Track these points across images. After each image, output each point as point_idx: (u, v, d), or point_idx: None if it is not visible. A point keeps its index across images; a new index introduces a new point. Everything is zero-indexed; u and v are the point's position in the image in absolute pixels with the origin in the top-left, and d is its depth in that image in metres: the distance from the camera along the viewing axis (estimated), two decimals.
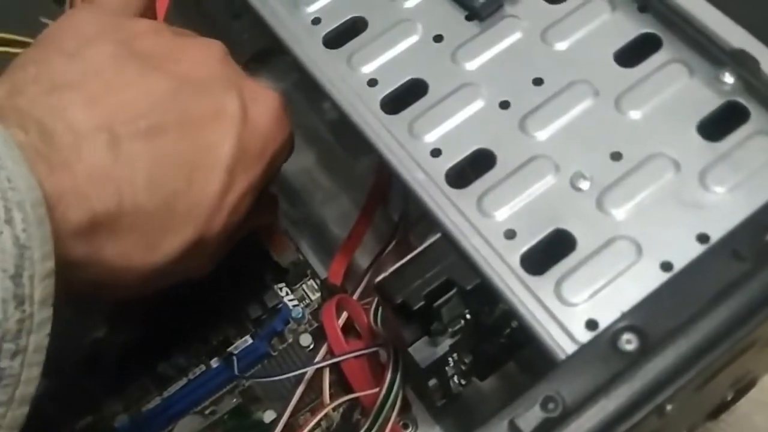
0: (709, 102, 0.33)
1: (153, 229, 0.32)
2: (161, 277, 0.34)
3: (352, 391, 0.42)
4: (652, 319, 0.29)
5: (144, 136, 0.31)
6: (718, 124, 0.32)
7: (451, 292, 0.32)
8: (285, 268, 0.46)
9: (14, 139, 0.28)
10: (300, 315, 0.46)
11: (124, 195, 0.31)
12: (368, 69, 0.36)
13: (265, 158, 0.36)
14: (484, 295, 0.32)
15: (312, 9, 0.38)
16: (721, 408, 0.40)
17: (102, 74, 0.32)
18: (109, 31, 0.34)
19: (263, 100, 0.35)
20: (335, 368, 0.43)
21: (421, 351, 0.34)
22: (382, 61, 0.36)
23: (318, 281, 0.47)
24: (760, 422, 0.43)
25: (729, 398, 0.39)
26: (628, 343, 0.28)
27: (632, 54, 0.34)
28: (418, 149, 0.34)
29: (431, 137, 0.34)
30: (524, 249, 0.31)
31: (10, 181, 0.26)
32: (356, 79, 0.36)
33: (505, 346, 0.37)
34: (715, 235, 0.30)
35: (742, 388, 0.40)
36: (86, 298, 0.34)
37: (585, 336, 0.29)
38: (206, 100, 0.34)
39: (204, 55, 0.35)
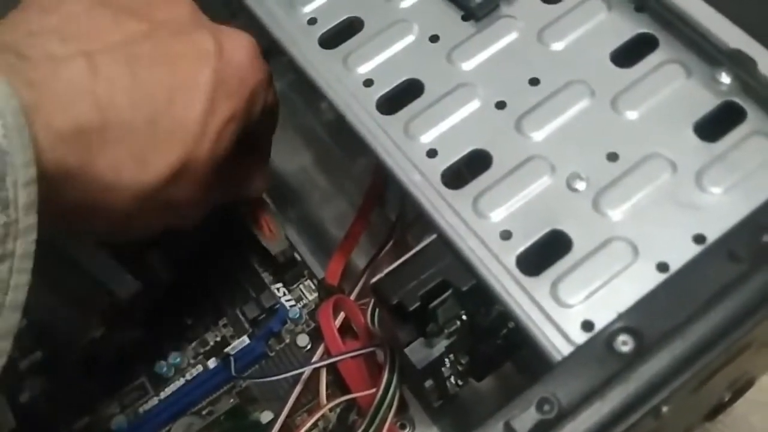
0: (706, 102, 0.33)
1: (140, 145, 0.32)
2: (151, 204, 0.34)
3: (349, 392, 0.42)
4: (648, 320, 0.28)
5: (122, 62, 0.32)
6: (715, 125, 0.32)
7: (447, 293, 0.32)
8: (274, 256, 0.46)
9: None
10: (297, 315, 0.46)
11: (107, 110, 0.31)
12: (364, 69, 0.36)
13: (244, 91, 0.36)
14: (480, 296, 0.32)
15: (308, 9, 0.38)
16: (719, 409, 0.40)
17: (77, 20, 0.33)
18: None
19: (237, 39, 0.36)
20: (332, 369, 0.43)
21: (417, 352, 0.34)
22: (378, 61, 0.36)
23: (315, 281, 0.47)
24: (756, 423, 0.43)
25: (726, 399, 0.39)
26: (624, 344, 0.28)
27: (629, 54, 0.34)
28: (414, 150, 0.34)
29: (427, 138, 0.34)
30: (520, 250, 0.31)
31: None
32: (352, 80, 0.36)
33: (502, 347, 0.37)
34: (712, 236, 0.30)
35: (740, 389, 0.40)
36: (74, 228, 0.34)
37: (581, 337, 0.29)
38: (181, 38, 0.34)
39: (176, 6, 0.36)
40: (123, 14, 0.34)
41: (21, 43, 0.31)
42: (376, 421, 0.39)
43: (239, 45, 0.36)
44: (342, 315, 0.43)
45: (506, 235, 0.31)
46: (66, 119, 0.30)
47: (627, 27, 0.35)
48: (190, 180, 0.35)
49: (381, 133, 0.34)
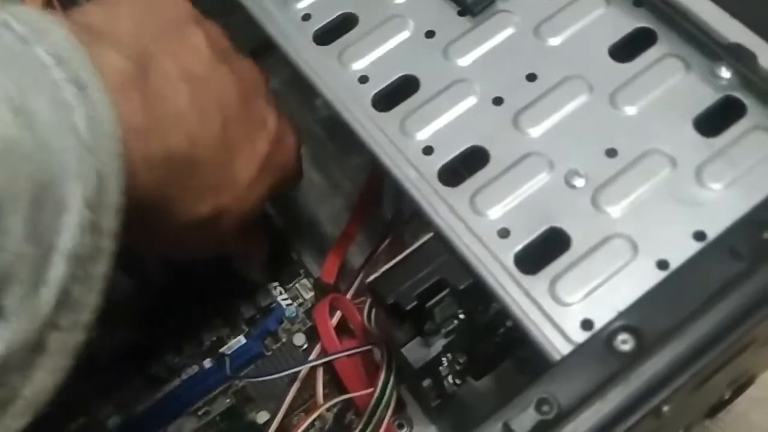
0: (706, 97, 0.32)
1: (205, 182, 0.35)
2: (193, 236, 0.36)
3: (346, 391, 0.41)
4: (648, 318, 0.28)
5: (214, 103, 0.34)
6: (715, 120, 0.32)
7: (444, 292, 0.31)
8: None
9: (113, 64, 0.29)
10: (294, 314, 0.46)
11: (193, 142, 0.33)
12: (359, 65, 0.36)
13: (286, 172, 0.40)
14: (478, 295, 0.31)
15: (302, 5, 0.38)
16: (719, 406, 0.40)
17: (183, 32, 0.34)
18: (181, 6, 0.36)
19: (289, 125, 0.40)
20: (329, 368, 0.42)
21: (415, 351, 0.34)
22: (373, 57, 0.36)
23: (311, 280, 0.46)
24: (756, 420, 0.43)
25: (727, 397, 0.39)
26: (624, 343, 0.28)
27: (627, 49, 0.34)
28: (410, 147, 0.33)
29: (423, 135, 0.34)
30: (518, 248, 0.31)
31: (96, 111, 0.27)
32: (347, 76, 0.35)
33: (501, 346, 0.37)
34: (712, 232, 0.30)
35: (740, 387, 0.40)
36: (131, 246, 0.35)
37: (580, 336, 0.29)
38: (257, 101, 0.37)
39: (250, 65, 0.38)
40: (220, 58, 0.35)
41: (137, 45, 0.32)
42: (374, 420, 0.38)
43: (291, 131, 0.40)
44: (339, 314, 0.42)
45: (504, 233, 0.31)
46: (161, 146, 0.31)
47: (625, 21, 0.34)
48: (225, 224, 0.37)
49: (376, 131, 0.34)
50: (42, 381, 0.26)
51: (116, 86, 0.29)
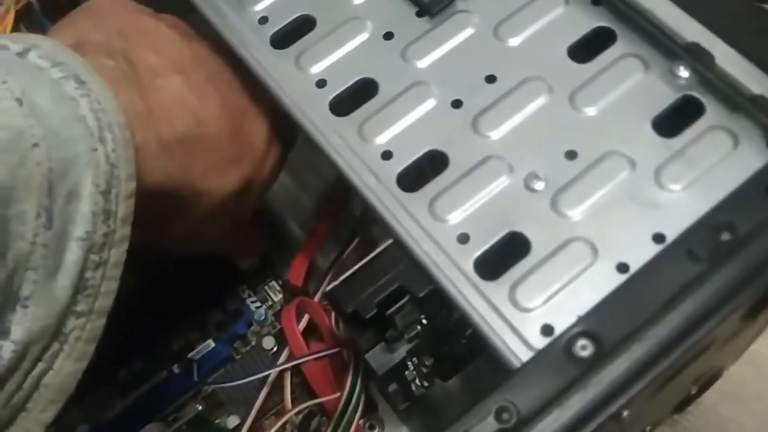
0: (665, 97, 0.32)
1: (224, 155, 0.35)
2: (220, 214, 0.37)
3: (315, 395, 0.41)
4: (607, 323, 0.28)
5: (207, 81, 0.35)
6: (674, 120, 0.32)
7: (405, 299, 0.31)
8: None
9: (102, 65, 0.30)
10: (263, 317, 0.45)
11: (200, 120, 0.34)
12: (317, 69, 0.35)
13: (284, 140, 0.40)
14: (439, 301, 0.31)
15: (259, 7, 0.37)
16: (686, 402, 0.40)
17: (154, 31, 0.35)
18: (138, 6, 0.38)
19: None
20: (298, 372, 0.42)
21: (378, 357, 0.33)
22: (330, 60, 0.35)
23: (280, 282, 0.46)
24: (725, 413, 0.43)
25: (693, 392, 0.39)
26: (583, 349, 0.28)
27: (586, 49, 0.34)
28: (369, 152, 0.33)
29: (382, 139, 0.33)
30: (478, 253, 0.30)
31: (99, 102, 0.28)
32: (304, 81, 0.35)
33: (468, 347, 0.37)
34: (672, 234, 0.29)
35: (707, 381, 0.40)
36: (150, 236, 0.36)
37: (540, 342, 0.29)
38: (240, 76, 0.37)
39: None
40: (192, 40, 0.37)
41: (121, 44, 0.33)
42: (342, 423, 0.38)
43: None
44: (308, 316, 0.42)
45: (464, 239, 0.31)
46: (172, 129, 0.32)
47: (584, 21, 0.34)
48: (250, 196, 0.38)
49: (334, 136, 0.33)
50: (65, 368, 0.28)
51: (110, 81, 0.30)
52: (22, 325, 0.26)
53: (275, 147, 0.39)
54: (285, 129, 0.40)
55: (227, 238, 0.42)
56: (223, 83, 0.36)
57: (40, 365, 0.27)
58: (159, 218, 0.34)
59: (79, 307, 0.27)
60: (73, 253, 0.26)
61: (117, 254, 0.28)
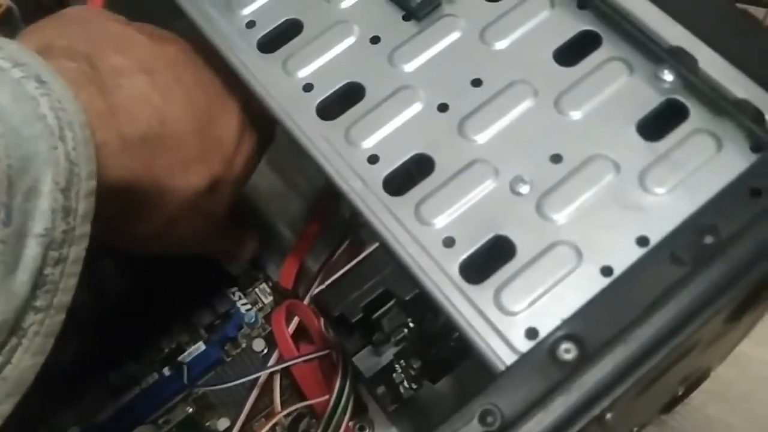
0: (649, 100, 0.32)
1: (190, 153, 0.36)
2: (190, 212, 0.37)
3: (305, 397, 0.41)
4: (590, 327, 0.28)
5: (173, 81, 0.35)
6: (658, 123, 0.32)
7: (391, 303, 0.31)
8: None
9: (63, 67, 0.31)
10: (253, 319, 0.45)
11: (164, 119, 0.34)
12: (304, 73, 0.35)
13: (261, 128, 0.40)
14: (425, 305, 0.31)
15: (246, 11, 0.37)
16: (673, 402, 0.40)
17: (124, 39, 0.36)
18: (109, 15, 0.38)
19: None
20: (288, 374, 0.42)
21: (366, 360, 0.34)
22: (317, 64, 0.35)
23: (271, 284, 0.46)
24: (713, 413, 0.43)
25: (680, 393, 0.39)
26: (567, 352, 0.28)
27: (572, 52, 0.34)
28: (355, 156, 0.33)
29: (368, 143, 0.33)
30: (463, 257, 0.31)
31: (60, 102, 0.28)
32: (291, 84, 0.35)
33: (456, 349, 0.37)
34: (656, 237, 0.30)
35: (694, 382, 0.40)
36: (118, 235, 0.37)
37: (525, 345, 0.29)
38: (211, 73, 0.38)
39: (192, 45, 0.39)
40: (162, 41, 0.37)
41: (84, 47, 0.33)
42: (332, 426, 0.38)
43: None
44: (298, 318, 0.42)
45: (449, 242, 0.31)
46: (134, 127, 0.33)
47: (570, 24, 0.34)
48: (221, 195, 0.39)
49: (321, 140, 0.33)
50: (23, 362, 0.28)
51: (71, 82, 0.30)
52: None
53: (247, 144, 0.39)
54: (262, 125, 0.40)
55: (213, 240, 0.42)
56: (191, 83, 0.36)
57: None
58: (124, 216, 0.35)
59: (38, 303, 0.27)
60: (32, 250, 0.27)
61: (77, 251, 0.29)
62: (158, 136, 0.34)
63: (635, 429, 0.39)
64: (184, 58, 0.37)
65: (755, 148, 0.30)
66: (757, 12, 0.50)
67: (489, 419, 0.27)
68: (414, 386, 0.37)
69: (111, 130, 0.32)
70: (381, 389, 0.36)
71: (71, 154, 0.28)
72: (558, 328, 0.28)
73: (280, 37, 0.36)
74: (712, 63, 0.31)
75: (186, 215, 0.37)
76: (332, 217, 0.45)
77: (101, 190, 0.30)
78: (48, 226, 0.27)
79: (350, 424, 0.40)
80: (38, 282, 0.27)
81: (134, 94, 0.33)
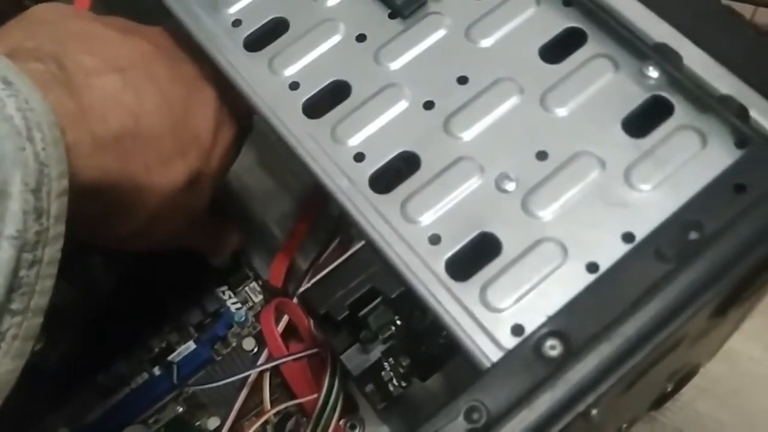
0: (635, 97, 0.32)
1: (165, 150, 0.36)
2: (170, 208, 0.37)
3: (295, 396, 0.41)
4: (575, 323, 0.28)
5: (145, 77, 0.35)
6: (643, 120, 0.32)
7: (377, 301, 0.31)
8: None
9: (31, 69, 0.30)
10: (243, 318, 0.45)
11: (137, 117, 0.34)
12: (290, 72, 0.35)
13: (236, 127, 0.40)
14: (412, 302, 0.31)
15: (232, 10, 0.37)
16: (663, 398, 0.40)
17: (95, 37, 0.35)
18: (78, 12, 0.38)
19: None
20: (278, 372, 0.42)
21: (354, 358, 0.34)
22: (304, 63, 0.35)
23: (261, 283, 0.46)
24: (703, 409, 0.43)
25: (669, 389, 0.39)
26: (552, 348, 0.28)
27: (557, 49, 0.34)
28: (341, 154, 0.33)
29: (354, 141, 0.33)
30: (449, 254, 0.31)
31: (27, 102, 0.28)
32: (278, 83, 0.35)
33: (445, 346, 0.37)
34: (641, 233, 0.30)
35: (683, 378, 0.40)
36: (98, 233, 0.37)
37: (511, 342, 0.29)
38: (187, 62, 0.38)
39: (167, 35, 0.39)
40: (133, 35, 0.37)
41: (53, 48, 0.33)
42: (321, 424, 0.38)
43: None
44: (288, 317, 0.42)
45: (435, 240, 0.31)
46: (106, 127, 0.33)
47: (555, 21, 0.34)
48: (201, 189, 0.38)
49: (307, 138, 0.33)
50: (3, 366, 0.27)
51: (39, 83, 0.30)
52: None
53: (224, 137, 0.39)
54: (239, 116, 0.40)
55: (193, 234, 0.42)
56: (164, 78, 0.36)
57: None
58: (104, 215, 0.35)
59: (14, 306, 0.27)
60: (5, 252, 0.26)
61: (51, 252, 0.28)
62: (132, 134, 0.34)
63: (624, 425, 0.39)
64: (156, 51, 0.37)
65: (740, 144, 0.31)
66: (743, 8, 0.50)
67: (475, 416, 0.27)
68: (403, 384, 0.37)
69: (82, 130, 0.31)
70: (370, 387, 0.36)
71: (41, 155, 0.28)
72: (543, 325, 0.28)
73: (267, 35, 0.36)
74: (696, 59, 0.31)
75: (166, 211, 0.37)
76: (322, 215, 0.45)
77: (77, 190, 0.29)
78: (20, 228, 0.27)
79: (341, 422, 0.40)
80: (13, 285, 0.27)
81: (105, 94, 0.33)
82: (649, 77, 0.32)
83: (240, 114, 0.40)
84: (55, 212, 0.28)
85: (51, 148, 0.28)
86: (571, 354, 0.28)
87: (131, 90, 0.34)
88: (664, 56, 0.32)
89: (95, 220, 0.34)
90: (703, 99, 0.31)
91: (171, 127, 0.36)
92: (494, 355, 0.29)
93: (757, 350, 0.44)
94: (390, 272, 0.31)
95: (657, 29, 0.32)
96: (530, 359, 0.28)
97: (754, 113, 0.30)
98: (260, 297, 0.46)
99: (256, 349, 0.44)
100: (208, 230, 0.44)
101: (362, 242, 0.32)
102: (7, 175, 0.27)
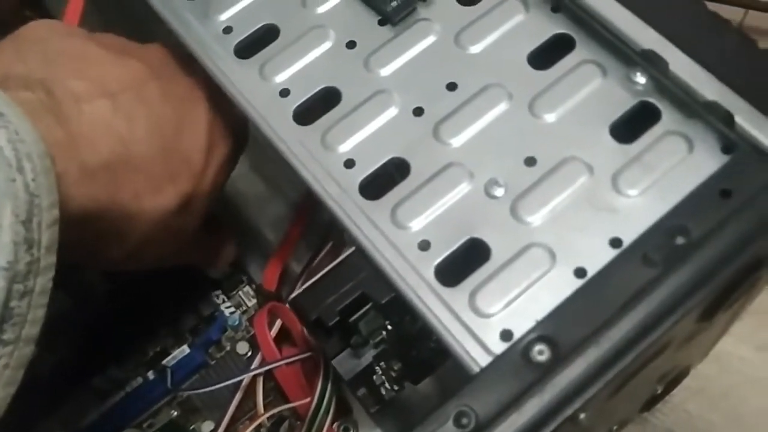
0: (622, 103, 0.32)
1: (156, 175, 0.35)
2: (162, 232, 0.37)
3: (288, 400, 0.41)
4: (563, 328, 0.28)
5: (136, 100, 0.35)
6: (631, 126, 0.32)
7: (368, 306, 0.32)
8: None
9: (20, 98, 0.30)
10: (237, 322, 0.46)
11: (128, 143, 0.34)
12: (280, 78, 0.35)
13: (232, 140, 0.40)
14: (402, 307, 0.31)
15: (223, 17, 0.37)
16: (653, 400, 0.41)
17: (86, 59, 0.35)
18: (70, 30, 0.38)
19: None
20: (271, 377, 0.42)
21: (345, 363, 0.34)
22: (294, 70, 0.35)
23: (254, 287, 0.46)
24: (693, 410, 0.44)
25: (659, 391, 0.40)
26: (540, 353, 0.28)
27: (546, 56, 0.34)
28: (331, 161, 0.33)
29: (345, 147, 0.33)
30: (438, 260, 0.31)
31: (18, 133, 0.28)
32: (268, 90, 0.35)
33: (436, 351, 0.37)
34: (628, 238, 0.30)
35: (673, 380, 0.40)
36: (90, 259, 0.37)
37: (500, 347, 0.29)
38: (180, 82, 0.38)
39: (159, 51, 0.39)
40: (124, 56, 0.36)
41: (42, 73, 0.33)
42: (314, 428, 0.38)
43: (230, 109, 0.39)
44: (281, 321, 0.43)
45: (425, 246, 0.31)
46: (95, 155, 0.32)
47: (544, 28, 0.34)
48: (193, 210, 0.38)
49: (297, 145, 0.33)
50: None
51: (29, 113, 0.29)
52: None
53: (217, 155, 0.39)
54: (235, 129, 0.40)
55: (187, 252, 0.42)
56: (157, 99, 0.36)
57: None
58: (93, 242, 0.34)
59: (5, 336, 0.27)
60: None
61: (43, 282, 0.28)
62: (122, 161, 0.34)
63: (615, 427, 0.39)
64: (149, 72, 0.36)
65: (725, 149, 0.31)
66: (730, 12, 0.51)
67: (464, 421, 0.28)
68: (396, 387, 0.37)
69: (71, 159, 0.31)
70: (362, 391, 0.36)
71: (30, 186, 0.28)
72: (531, 330, 0.29)
73: (257, 42, 0.37)
74: (683, 66, 0.31)
75: (157, 235, 0.37)
76: (315, 219, 0.45)
77: (67, 219, 0.29)
78: (11, 259, 0.26)
79: (335, 425, 0.41)
80: (5, 315, 0.27)
81: (95, 120, 0.33)
82: (637, 83, 0.33)
83: (235, 127, 0.39)
84: (46, 242, 0.28)
85: (41, 178, 0.28)
86: (559, 359, 0.28)
87: (122, 115, 0.34)
88: (651, 62, 0.32)
89: (85, 247, 0.34)
90: (690, 105, 0.32)
91: (161, 152, 0.35)
92: (483, 360, 0.29)
93: (748, 351, 0.44)
94: (380, 278, 0.31)
95: (644, 35, 0.32)
96: (519, 364, 0.28)
97: (739, 119, 0.30)
98: (254, 301, 0.46)
99: (249, 353, 0.45)
100: (203, 244, 0.44)
101: (352, 248, 0.32)
102: None
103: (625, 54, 0.33)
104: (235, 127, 0.39)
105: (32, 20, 0.37)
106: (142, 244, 0.36)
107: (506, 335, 0.29)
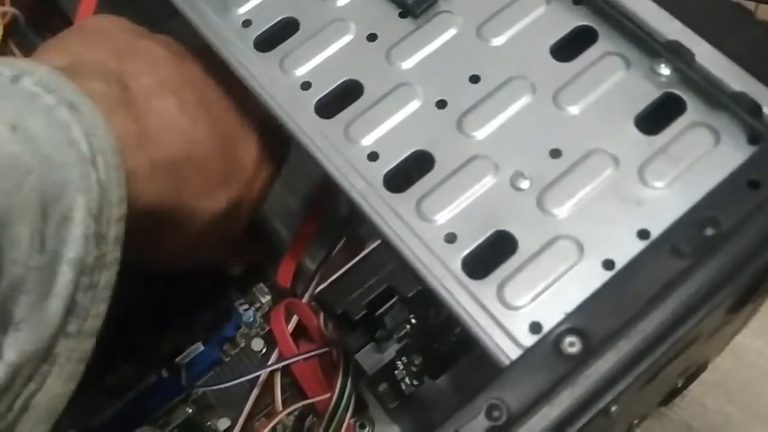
0: (647, 94, 0.32)
1: (212, 177, 0.36)
2: (211, 234, 0.37)
3: (306, 395, 0.41)
4: (594, 320, 0.28)
5: (198, 103, 0.35)
6: (656, 117, 0.32)
7: (393, 299, 0.31)
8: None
9: (93, 88, 0.31)
10: (251, 319, 0.45)
11: (192, 143, 0.34)
12: (301, 71, 0.35)
13: (278, 158, 0.40)
14: (428, 301, 0.31)
15: (242, 11, 0.37)
16: (672, 394, 0.41)
17: (149, 51, 0.36)
18: (132, 26, 0.38)
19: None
20: (289, 372, 0.42)
21: (368, 357, 0.34)
22: (315, 62, 0.35)
23: (268, 284, 0.46)
24: (711, 404, 0.43)
25: (679, 385, 0.39)
26: (571, 345, 0.28)
27: (568, 48, 0.34)
28: (355, 154, 0.33)
29: (368, 140, 0.33)
30: (465, 253, 0.31)
31: (92, 128, 0.28)
32: (289, 83, 0.35)
33: (457, 344, 0.37)
34: (656, 230, 0.30)
35: (693, 374, 0.40)
36: (145, 255, 0.36)
37: (529, 340, 0.29)
38: (232, 92, 0.38)
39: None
40: (184, 59, 0.37)
41: (115, 67, 0.33)
42: (333, 424, 0.38)
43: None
44: (297, 317, 0.42)
45: (451, 238, 0.31)
46: (164, 151, 0.33)
47: (566, 20, 0.34)
48: (239, 217, 0.39)
49: (320, 138, 0.33)
50: (55, 389, 0.28)
51: (103, 106, 0.30)
52: (14, 347, 0.26)
53: (265, 167, 0.39)
54: (277, 144, 0.40)
55: (222, 253, 0.42)
56: (214, 104, 0.36)
57: (31, 386, 0.27)
58: (150, 239, 0.35)
59: (69, 329, 0.27)
60: (64, 276, 0.27)
61: (108, 276, 0.29)
62: (187, 159, 0.34)
63: (635, 421, 0.39)
64: (206, 77, 0.37)
65: (752, 140, 0.31)
66: (749, 4, 0.51)
67: (495, 413, 0.27)
68: (415, 382, 0.37)
69: (141, 155, 0.32)
70: (383, 386, 0.36)
71: (102, 180, 0.28)
72: (562, 322, 0.28)
73: (277, 35, 0.36)
74: (708, 56, 0.31)
75: (206, 237, 0.37)
76: (329, 215, 0.45)
77: (131, 214, 0.30)
78: (80, 253, 0.27)
79: (351, 421, 0.40)
80: (70, 308, 0.27)
81: (164, 118, 0.33)
82: (661, 75, 0.32)
83: (279, 144, 0.40)
84: (113, 237, 0.29)
85: (113, 173, 0.28)
86: (590, 351, 0.28)
87: (187, 114, 0.34)
88: (676, 54, 0.32)
89: (143, 243, 0.34)
90: (716, 96, 0.31)
91: (219, 155, 0.36)
92: (512, 352, 0.29)
93: (765, 345, 0.44)
94: (406, 271, 0.31)
95: (668, 27, 0.32)
96: (550, 356, 0.28)
97: (766, 109, 0.30)
98: (268, 297, 0.46)
99: (264, 350, 0.44)
100: (235, 246, 0.44)
101: (377, 242, 0.32)
102: (72, 201, 0.27)
103: (649, 45, 0.33)
104: (279, 143, 0.40)
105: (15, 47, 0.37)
106: (193, 245, 0.37)
107: (535, 327, 0.29)
